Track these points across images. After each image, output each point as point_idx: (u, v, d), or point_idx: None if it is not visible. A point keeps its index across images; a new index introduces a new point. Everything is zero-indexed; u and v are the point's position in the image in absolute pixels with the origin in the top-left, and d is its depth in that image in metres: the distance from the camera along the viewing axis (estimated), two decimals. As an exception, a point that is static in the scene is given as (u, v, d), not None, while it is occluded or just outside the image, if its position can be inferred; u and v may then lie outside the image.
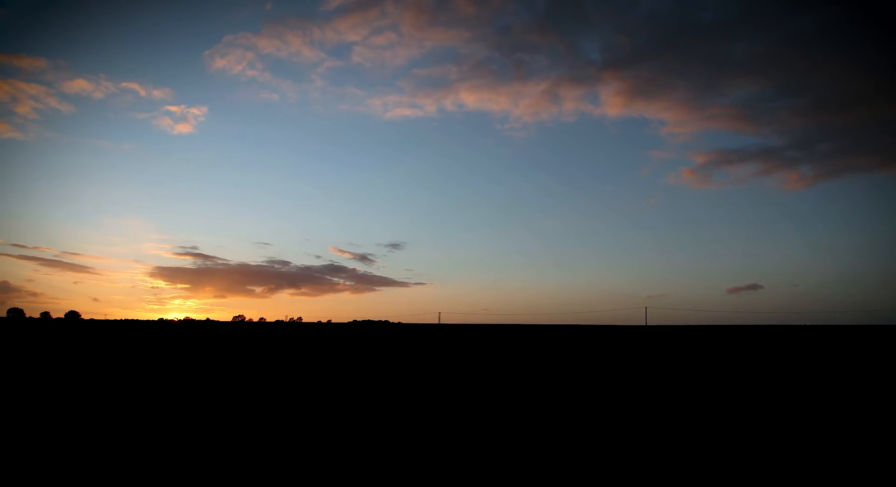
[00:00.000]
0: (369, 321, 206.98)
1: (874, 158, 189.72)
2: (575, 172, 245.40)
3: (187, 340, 36.56)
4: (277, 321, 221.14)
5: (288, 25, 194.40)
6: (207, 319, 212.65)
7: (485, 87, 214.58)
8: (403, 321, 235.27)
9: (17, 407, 8.35)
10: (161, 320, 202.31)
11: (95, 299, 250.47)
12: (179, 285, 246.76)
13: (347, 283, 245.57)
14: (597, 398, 9.88)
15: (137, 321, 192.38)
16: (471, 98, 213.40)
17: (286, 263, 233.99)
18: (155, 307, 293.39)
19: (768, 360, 20.49)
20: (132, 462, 5.31)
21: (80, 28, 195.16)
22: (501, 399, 9.60)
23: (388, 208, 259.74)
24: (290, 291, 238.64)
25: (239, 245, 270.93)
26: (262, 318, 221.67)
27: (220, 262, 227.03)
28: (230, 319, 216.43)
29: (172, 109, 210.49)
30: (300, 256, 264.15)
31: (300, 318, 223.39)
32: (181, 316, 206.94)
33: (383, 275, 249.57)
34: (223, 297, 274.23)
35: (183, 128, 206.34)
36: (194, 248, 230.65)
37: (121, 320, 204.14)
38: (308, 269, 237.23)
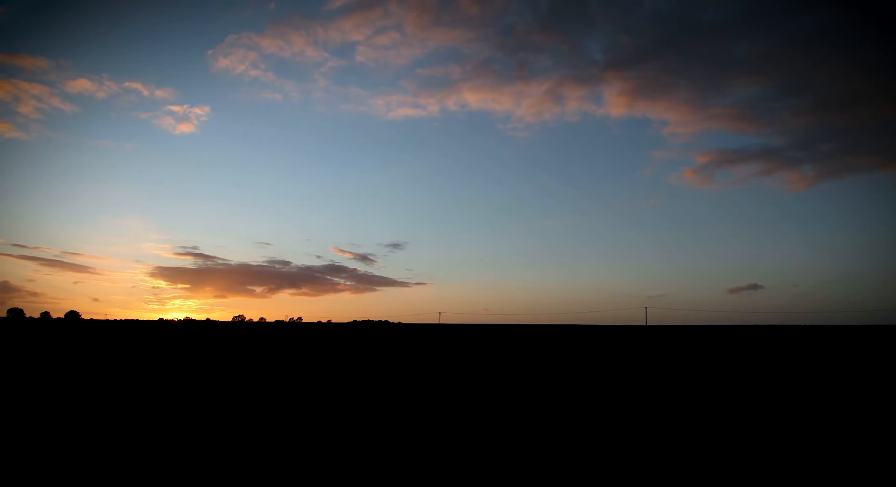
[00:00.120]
0: (369, 321, 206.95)
1: (875, 158, 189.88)
2: (576, 172, 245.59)
3: (186, 340, 36.51)
4: (277, 321, 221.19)
5: (291, 25, 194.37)
6: (207, 319, 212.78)
7: (488, 87, 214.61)
8: (403, 321, 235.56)
9: (15, 407, 8.30)
10: (161, 320, 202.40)
11: (96, 300, 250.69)
12: (180, 286, 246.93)
13: (348, 283, 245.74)
14: (597, 398, 9.84)
15: (137, 321, 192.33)
16: (474, 98, 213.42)
17: (287, 263, 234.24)
18: (155, 307, 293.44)
19: (768, 360, 20.44)
20: (130, 463, 5.27)
21: (82, 28, 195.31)
22: (501, 400, 9.55)
23: (390, 208, 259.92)
24: (291, 291, 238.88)
25: (240, 245, 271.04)
26: (261, 318, 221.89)
27: (221, 262, 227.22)
28: (230, 319, 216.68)
29: (175, 108, 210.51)
30: (301, 256, 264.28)
31: (300, 318, 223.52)
32: (181, 316, 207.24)
33: (384, 275, 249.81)
34: (224, 297, 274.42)
35: (185, 128, 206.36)
36: (195, 248, 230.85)
37: (120, 320, 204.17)
38: (309, 269, 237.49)
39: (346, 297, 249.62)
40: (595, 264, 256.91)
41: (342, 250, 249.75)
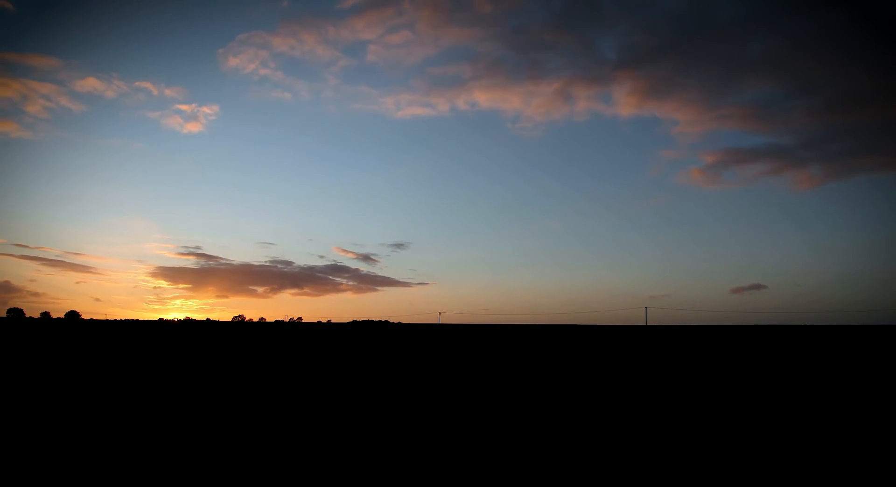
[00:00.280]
0: (369, 321, 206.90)
1: (882, 158, 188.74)
2: (583, 172, 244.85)
3: (184, 340, 36.40)
4: (277, 321, 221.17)
5: (303, 24, 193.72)
6: (207, 319, 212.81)
7: (498, 86, 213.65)
8: (404, 321, 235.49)
9: (10, 407, 8.16)
10: (161, 320, 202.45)
11: (97, 300, 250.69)
12: (181, 286, 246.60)
13: (350, 283, 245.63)
14: (597, 398, 9.69)
15: (137, 321, 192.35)
16: (484, 97, 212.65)
17: (289, 263, 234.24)
18: (156, 307, 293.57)
19: (767, 360, 20.30)
20: (127, 463, 5.13)
21: (93, 27, 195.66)
22: (499, 400, 9.41)
23: (394, 207, 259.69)
24: (293, 291, 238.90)
25: (242, 245, 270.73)
26: (261, 318, 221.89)
27: (223, 262, 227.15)
28: (230, 319, 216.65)
29: (183, 107, 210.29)
30: (303, 256, 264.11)
31: (300, 318, 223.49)
32: (181, 316, 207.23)
33: (386, 275, 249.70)
34: (225, 297, 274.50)
35: (193, 127, 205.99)
36: (197, 248, 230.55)
37: (120, 320, 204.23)
38: (311, 269, 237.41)
39: (348, 297, 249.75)
40: (598, 264, 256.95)
41: (345, 250, 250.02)
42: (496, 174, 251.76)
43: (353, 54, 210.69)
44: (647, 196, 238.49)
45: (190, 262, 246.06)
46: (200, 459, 5.43)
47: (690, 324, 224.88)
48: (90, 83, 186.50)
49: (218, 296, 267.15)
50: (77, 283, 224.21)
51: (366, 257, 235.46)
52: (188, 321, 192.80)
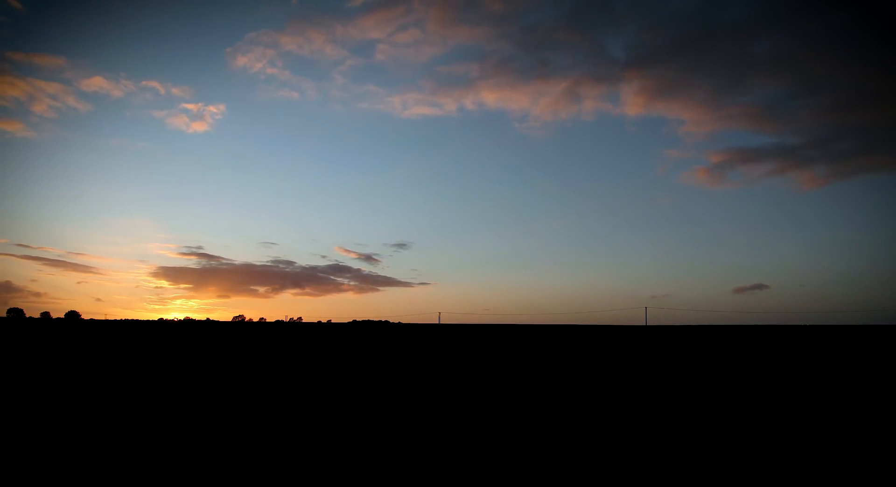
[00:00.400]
0: (369, 321, 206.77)
1: (889, 158, 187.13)
2: (587, 171, 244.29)
3: (183, 340, 36.31)
4: (277, 321, 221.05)
5: (312, 22, 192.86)
6: (207, 319, 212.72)
7: (506, 85, 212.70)
8: (404, 320, 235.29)
9: (10, 407, 8.08)
10: (161, 320, 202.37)
11: (98, 300, 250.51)
12: (182, 285, 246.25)
13: (351, 283, 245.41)
14: (597, 398, 9.60)
15: (136, 321, 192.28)
16: (491, 97, 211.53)
17: (291, 263, 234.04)
18: (157, 307, 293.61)
19: (767, 360, 20.21)
20: (123, 463, 5.04)
21: (102, 26, 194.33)
22: (498, 401, 9.32)
23: (397, 207, 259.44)
24: (294, 291, 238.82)
25: (245, 245, 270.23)
26: (261, 318, 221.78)
27: (225, 262, 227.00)
28: (230, 319, 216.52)
29: (189, 106, 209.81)
30: (305, 256, 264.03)
31: (300, 318, 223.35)
32: (181, 316, 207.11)
33: (388, 275, 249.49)
34: (226, 297, 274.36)
35: (199, 126, 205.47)
36: (199, 248, 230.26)
37: (120, 320, 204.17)
38: (313, 269, 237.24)
39: (349, 297, 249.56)
40: (600, 264, 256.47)
41: (347, 250, 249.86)
42: (501, 174, 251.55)
43: (362, 53, 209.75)
44: (650, 196, 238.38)
45: (192, 262, 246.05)
46: (198, 459, 5.35)
47: (693, 324, 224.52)
48: (97, 82, 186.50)
49: (219, 296, 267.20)
50: (78, 283, 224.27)
51: (368, 257, 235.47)
52: (188, 321, 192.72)
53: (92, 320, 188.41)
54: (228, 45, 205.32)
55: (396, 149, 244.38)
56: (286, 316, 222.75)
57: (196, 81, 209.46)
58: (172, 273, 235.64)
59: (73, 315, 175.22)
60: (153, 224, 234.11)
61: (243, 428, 6.86)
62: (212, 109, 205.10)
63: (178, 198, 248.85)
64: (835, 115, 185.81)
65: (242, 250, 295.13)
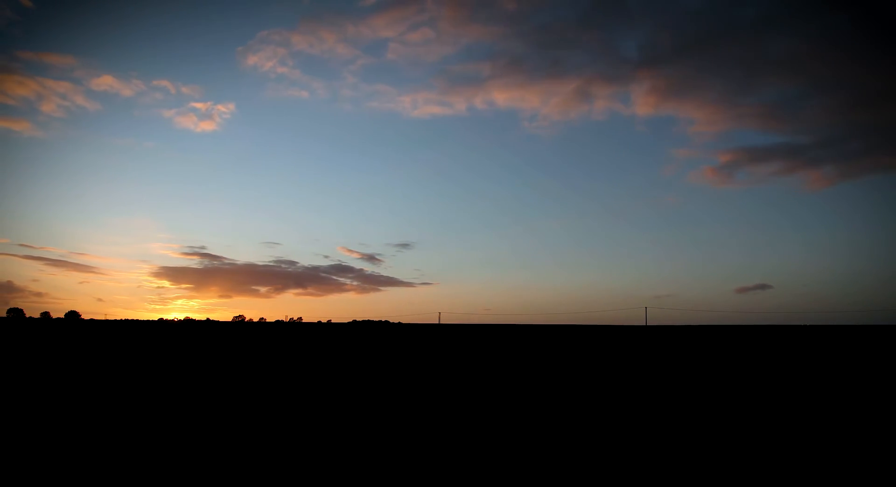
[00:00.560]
0: (369, 322, 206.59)
1: (894, 158, 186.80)
2: (594, 171, 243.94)
3: (182, 340, 36.22)
4: (277, 322, 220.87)
5: (323, 21, 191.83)
6: (207, 319, 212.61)
7: (517, 84, 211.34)
8: (404, 321, 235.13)
9: (8, 407, 7.97)
10: (161, 320, 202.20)
11: (99, 300, 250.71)
12: (183, 285, 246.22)
13: (353, 283, 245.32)
14: (597, 399, 9.48)
15: (136, 321, 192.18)
16: (502, 96, 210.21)
17: (293, 263, 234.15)
18: (157, 307, 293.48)
19: (768, 360, 20.09)
20: (124, 463, 4.92)
21: (112, 25, 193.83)
22: (497, 401, 9.20)
23: (401, 208, 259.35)
24: (296, 291, 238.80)
25: (247, 245, 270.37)
26: (262, 318, 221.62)
27: (227, 262, 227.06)
28: (230, 319, 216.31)
29: (198, 106, 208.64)
30: (308, 256, 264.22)
31: (300, 318, 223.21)
32: (182, 316, 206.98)
33: (390, 275, 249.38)
34: (228, 297, 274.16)
35: (207, 125, 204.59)
36: (202, 248, 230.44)
37: (120, 320, 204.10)
38: (315, 269, 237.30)
39: (351, 297, 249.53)
40: (603, 264, 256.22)
41: (350, 250, 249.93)
42: (507, 174, 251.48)
43: (373, 52, 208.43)
44: (653, 196, 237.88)
45: (194, 262, 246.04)
46: (198, 459, 5.24)
47: (695, 324, 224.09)
48: (106, 81, 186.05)
49: (220, 296, 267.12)
50: (80, 283, 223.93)
51: (370, 257, 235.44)
52: (188, 321, 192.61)
53: (91, 320, 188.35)
54: (240, 44, 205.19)
55: (404, 149, 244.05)
56: (286, 316, 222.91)
57: (206, 80, 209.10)
58: (174, 273, 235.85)
59: (72, 315, 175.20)
60: (156, 224, 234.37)
61: (242, 428, 6.74)
62: (221, 108, 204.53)
63: (181, 198, 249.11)
64: (845, 114, 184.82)
65: (245, 251, 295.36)
